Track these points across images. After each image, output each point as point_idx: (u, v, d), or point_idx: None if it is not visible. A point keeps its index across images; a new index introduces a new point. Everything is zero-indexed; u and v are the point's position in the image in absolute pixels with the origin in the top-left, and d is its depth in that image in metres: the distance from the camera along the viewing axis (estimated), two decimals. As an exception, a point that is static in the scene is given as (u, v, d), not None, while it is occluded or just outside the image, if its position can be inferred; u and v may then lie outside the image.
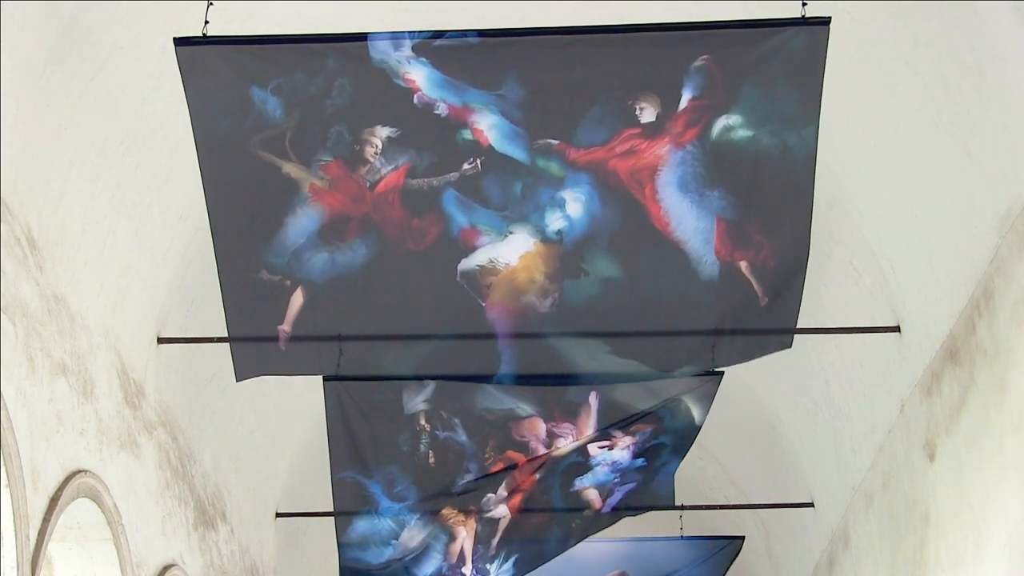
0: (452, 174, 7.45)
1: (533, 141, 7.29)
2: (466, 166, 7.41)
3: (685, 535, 13.30)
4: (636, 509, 10.88)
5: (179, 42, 6.88)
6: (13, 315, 7.34)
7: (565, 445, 10.32)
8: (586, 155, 7.29)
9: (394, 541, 10.54)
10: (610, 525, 11.19)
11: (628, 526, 15.08)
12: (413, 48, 6.99)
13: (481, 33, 7.03)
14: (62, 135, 7.76)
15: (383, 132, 7.34)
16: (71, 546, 8.77)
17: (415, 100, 7.15)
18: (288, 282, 7.95)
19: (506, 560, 11.04)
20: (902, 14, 7.71)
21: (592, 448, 10.49)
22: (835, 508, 12.30)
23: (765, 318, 7.80)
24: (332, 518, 13.49)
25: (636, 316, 7.90)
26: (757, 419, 13.50)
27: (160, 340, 9.73)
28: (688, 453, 10.46)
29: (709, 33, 6.92)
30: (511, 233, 7.63)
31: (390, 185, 7.49)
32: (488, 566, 10.99)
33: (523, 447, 10.19)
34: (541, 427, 10.10)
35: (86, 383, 8.45)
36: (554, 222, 7.59)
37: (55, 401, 7.94)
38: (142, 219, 9.05)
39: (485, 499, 10.59)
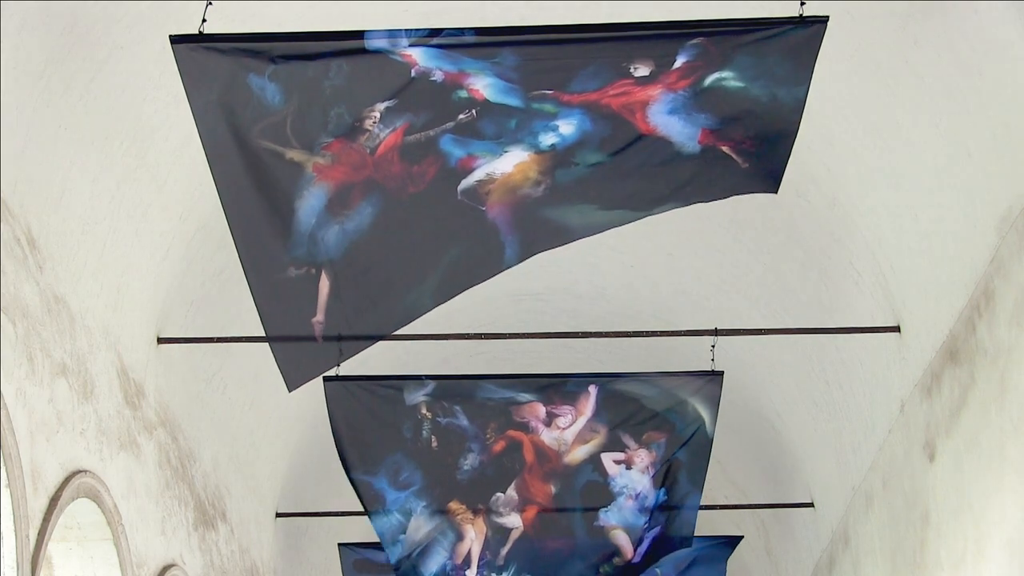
0: (448, 123, 7.51)
1: (528, 93, 7.36)
2: (462, 116, 7.47)
3: (685, 535, 13.29)
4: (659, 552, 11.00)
5: (175, 40, 6.88)
6: (13, 315, 7.34)
7: (575, 447, 10.40)
8: (580, 98, 7.37)
9: (401, 536, 10.59)
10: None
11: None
12: (410, 46, 7.04)
13: (478, 31, 7.06)
14: (62, 135, 7.76)
15: (381, 106, 7.39)
16: (71, 546, 8.77)
17: (412, 72, 7.20)
18: (313, 270, 7.94)
19: (516, 574, 11.05)
20: (902, 14, 7.72)
21: (608, 463, 10.55)
22: (835, 508, 12.30)
23: (750, 175, 7.76)
24: (332, 518, 13.53)
25: (621, 179, 7.89)
26: (757, 419, 13.51)
27: (160, 340, 9.74)
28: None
29: (705, 30, 6.97)
30: (506, 152, 7.69)
31: (389, 145, 7.52)
32: (494, 575, 11.00)
33: (523, 427, 10.41)
34: (540, 409, 10.30)
35: (86, 383, 8.45)
36: (547, 140, 7.66)
37: (55, 401, 7.94)
38: (142, 219, 9.05)
39: (494, 497, 10.64)
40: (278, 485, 13.69)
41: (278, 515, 13.78)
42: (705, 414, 10.17)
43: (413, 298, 8.41)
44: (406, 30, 7.07)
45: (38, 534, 7.57)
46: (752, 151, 7.52)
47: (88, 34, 7.64)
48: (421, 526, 10.63)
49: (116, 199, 8.62)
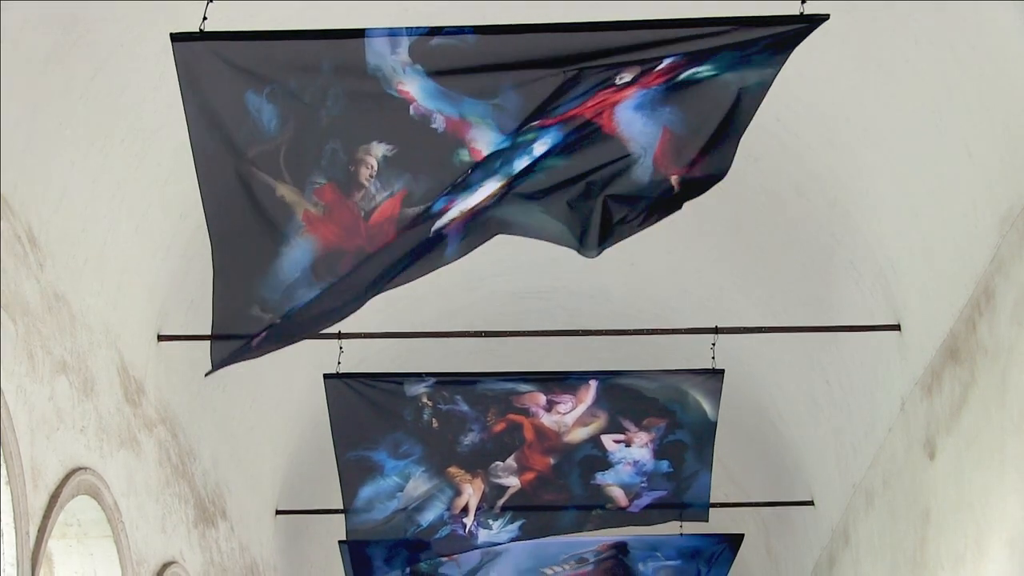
0: (446, 189, 7.35)
1: (519, 134, 7.25)
2: (459, 179, 7.32)
3: (685, 533, 13.30)
4: (666, 509, 11.02)
5: (175, 38, 6.82)
6: (13, 313, 7.34)
7: (575, 428, 10.48)
8: (560, 118, 7.28)
9: (399, 494, 10.67)
10: (636, 525, 11.29)
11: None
12: (410, 51, 6.89)
13: (477, 30, 6.98)
14: (63, 133, 7.76)
15: (379, 150, 7.15)
16: (71, 543, 8.77)
17: (411, 111, 7.03)
18: (278, 321, 7.69)
19: (511, 521, 11.12)
20: (902, 14, 7.71)
21: (608, 442, 10.64)
22: (835, 506, 12.31)
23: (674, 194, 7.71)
24: (332, 515, 13.53)
25: (570, 184, 7.75)
26: (757, 417, 13.51)
27: (160, 338, 9.74)
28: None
29: (707, 30, 6.90)
30: (482, 187, 7.58)
31: (385, 215, 7.27)
32: (491, 521, 11.06)
33: (524, 411, 10.54)
34: (541, 397, 10.44)
35: (86, 381, 8.46)
36: (521, 163, 7.54)
37: (55, 399, 7.95)
38: (143, 217, 9.05)
39: (493, 465, 10.71)
40: (278, 482, 13.69)
41: (278, 512, 13.78)
42: (707, 405, 10.25)
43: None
44: (407, 28, 7.00)
45: (38, 531, 7.58)
46: (693, 181, 7.43)
47: (89, 33, 7.64)
48: (419, 486, 10.72)
49: (116, 197, 8.62)
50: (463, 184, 7.33)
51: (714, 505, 13.14)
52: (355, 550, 12.01)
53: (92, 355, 8.57)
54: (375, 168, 7.17)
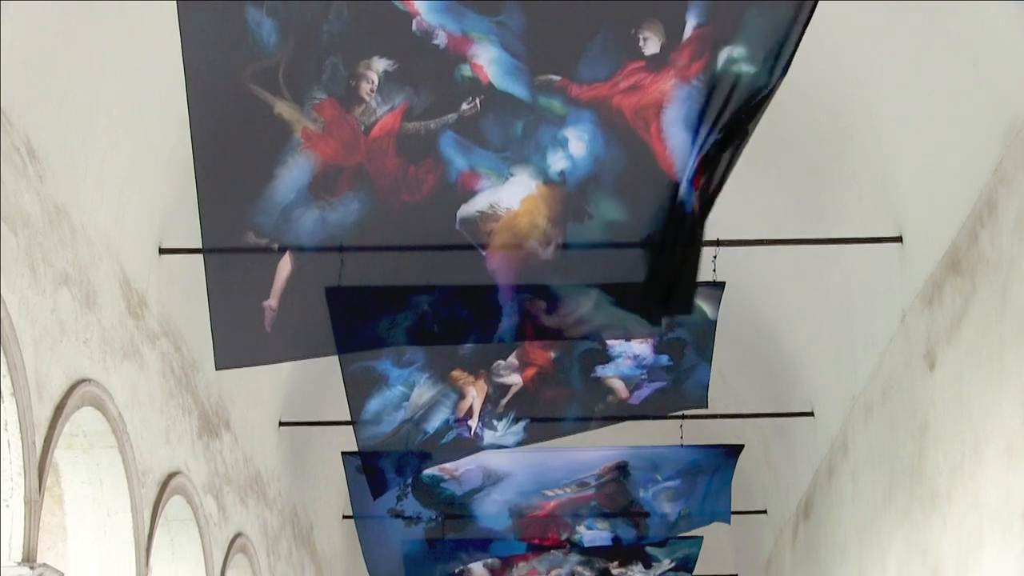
0: (450, 115, 7.17)
1: (534, 77, 7.02)
2: (465, 106, 7.13)
3: (685, 444, 13.40)
4: (666, 397, 11.10)
5: None
6: (14, 225, 7.34)
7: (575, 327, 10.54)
8: (589, 91, 7.03)
9: (404, 404, 10.73)
10: (638, 418, 11.37)
11: (628, 434, 15.22)
12: None
13: None
14: (61, 45, 7.70)
15: (380, 65, 7.04)
16: (77, 454, 8.85)
17: (414, 26, 6.91)
18: (276, 246, 7.57)
19: (515, 422, 11.21)
20: (909, -79, 7.62)
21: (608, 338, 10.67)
22: (835, 417, 12.38)
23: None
24: (334, 427, 13.63)
25: (640, 264, 7.66)
26: (758, 329, 13.55)
27: (162, 251, 9.73)
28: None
29: None
30: (512, 175, 7.34)
31: (385, 129, 7.17)
32: (496, 422, 11.15)
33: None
34: (542, 303, 10.35)
35: (88, 293, 8.47)
36: (556, 162, 7.33)
37: (58, 311, 7.97)
38: (143, 130, 9.01)
39: (495, 364, 10.75)
40: (281, 394, 13.77)
41: (281, 424, 13.88)
42: (707, 308, 10.23)
43: (382, 328, 8.07)
44: None
45: (44, 442, 7.64)
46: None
47: (85, -59, 7.56)
48: (424, 393, 10.77)
49: (116, 110, 8.57)
50: (477, 133, 7.15)
51: (714, 416, 13.26)
52: (365, 461, 12.09)
53: (94, 268, 8.57)
54: (376, 83, 7.08)
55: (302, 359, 8.45)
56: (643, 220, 7.38)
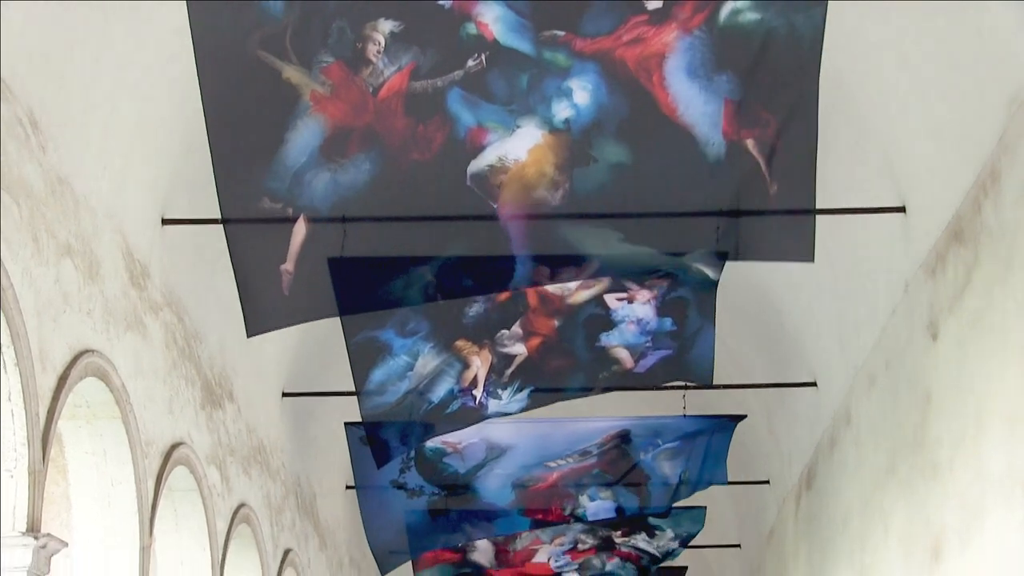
0: (456, 72, 7.21)
1: (539, 33, 7.06)
2: (470, 63, 7.18)
3: (688, 415, 13.42)
4: (671, 367, 11.12)
5: None
6: (17, 196, 7.33)
7: (578, 291, 10.50)
8: (593, 44, 7.08)
9: (409, 373, 10.73)
10: (642, 388, 11.37)
11: (631, 405, 15.24)
12: None
13: None
14: (62, 14, 7.68)
15: (386, 26, 7.07)
16: (81, 424, 8.87)
17: None
18: (291, 210, 7.61)
19: (520, 390, 11.21)
20: None
21: (610, 300, 10.68)
22: (837, 387, 12.39)
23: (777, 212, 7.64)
24: (337, 397, 13.65)
25: (646, 200, 7.74)
26: (760, 299, 13.55)
27: (165, 221, 9.73)
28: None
29: None
30: (518, 127, 7.40)
31: (393, 89, 7.20)
32: (500, 391, 11.16)
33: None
34: (545, 270, 10.36)
35: (91, 264, 8.48)
36: (561, 111, 7.38)
37: (61, 282, 7.97)
38: (145, 100, 8.99)
39: (499, 334, 10.76)
40: (284, 365, 13.79)
41: (284, 395, 13.90)
42: (709, 271, 10.23)
43: (398, 287, 8.13)
44: None
45: (47, 412, 7.66)
46: (777, 149, 7.24)
47: (86, -90, 7.53)
48: (428, 363, 10.77)
49: (118, 79, 8.55)
50: (483, 88, 7.18)
51: (717, 387, 13.26)
52: (369, 431, 12.11)
53: (96, 239, 8.58)
54: (382, 44, 7.12)
55: (319, 319, 8.56)
56: (646, 162, 7.40)
